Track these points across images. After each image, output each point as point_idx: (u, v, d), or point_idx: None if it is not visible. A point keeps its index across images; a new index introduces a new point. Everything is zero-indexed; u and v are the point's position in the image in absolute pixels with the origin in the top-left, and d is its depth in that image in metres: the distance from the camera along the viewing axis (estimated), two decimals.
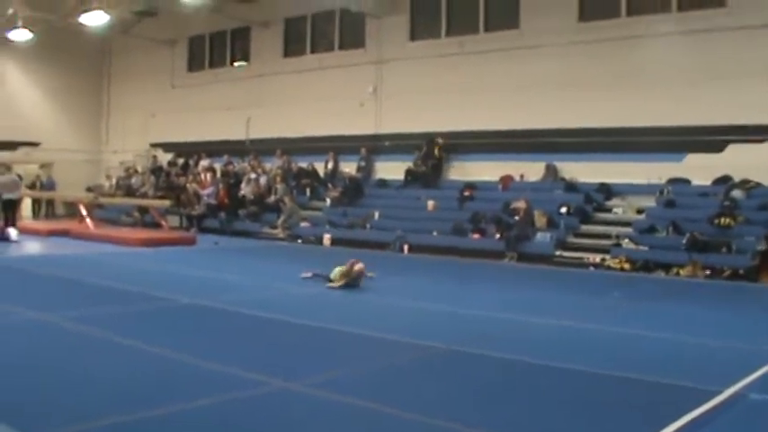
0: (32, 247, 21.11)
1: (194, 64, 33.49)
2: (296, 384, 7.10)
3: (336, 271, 14.02)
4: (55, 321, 9.83)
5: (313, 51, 29.17)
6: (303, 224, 25.08)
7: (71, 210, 30.43)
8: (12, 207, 22.38)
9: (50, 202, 33.29)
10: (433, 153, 24.95)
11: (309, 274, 14.44)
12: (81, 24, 28.16)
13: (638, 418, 6.33)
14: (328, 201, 26.14)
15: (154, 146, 34.26)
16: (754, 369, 7.97)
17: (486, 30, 24.52)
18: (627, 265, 18.32)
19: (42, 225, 26.42)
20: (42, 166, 33.75)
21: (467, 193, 23.44)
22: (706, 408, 6.56)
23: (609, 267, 18.48)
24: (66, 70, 34.18)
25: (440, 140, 24.75)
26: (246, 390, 6.88)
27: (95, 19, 27.42)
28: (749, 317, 12.27)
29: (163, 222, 25.27)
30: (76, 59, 34.58)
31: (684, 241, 17.96)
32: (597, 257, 18.99)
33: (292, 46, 29.93)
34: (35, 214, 32.68)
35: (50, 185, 32.94)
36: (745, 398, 6.99)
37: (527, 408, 6.70)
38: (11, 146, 32.53)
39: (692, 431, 5.96)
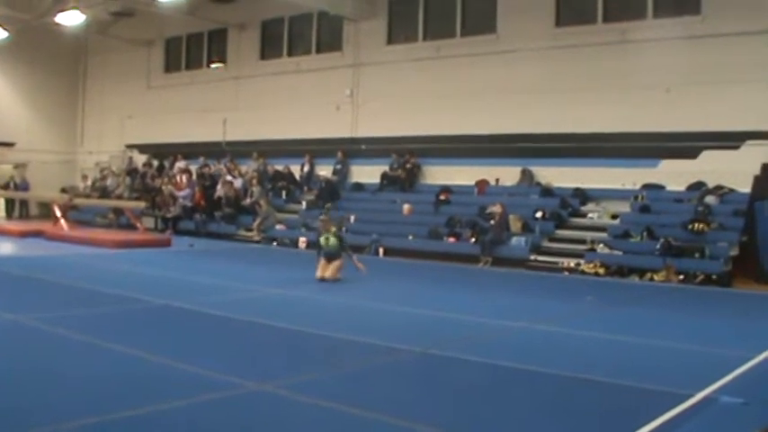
0: (6, 248, 20.99)
1: (171, 65, 33.37)
2: (270, 386, 7.09)
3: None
4: (29, 323, 9.77)
5: (290, 54, 29.14)
6: (279, 227, 25.05)
7: (45, 210, 30.24)
8: None
9: (24, 203, 33.00)
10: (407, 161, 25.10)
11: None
12: (57, 24, 28.06)
13: (610, 422, 6.37)
14: (304, 203, 26.12)
15: (130, 147, 34.10)
16: (726, 373, 8.04)
17: (463, 34, 24.61)
18: (601, 270, 18.40)
19: (16, 226, 26.20)
20: (16, 166, 33.45)
21: (443, 197, 23.49)
22: (677, 411, 6.60)
23: (583, 272, 18.55)
24: (41, 70, 33.97)
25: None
26: (220, 391, 6.86)
27: (71, 18, 27.32)
28: (721, 321, 12.37)
29: (138, 224, 25.15)
30: (52, 59, 34.41)
31: (658, 246, 18.07)
32: (572, 262, 19.09)
33: (269, 49, 29.89)
34: (9, 215, 32.41)
35: (24, 186, 32.66)
36: (716, 401, 7.03)
37: (500, 411, 6.73)
38: None
39: None
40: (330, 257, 15.26)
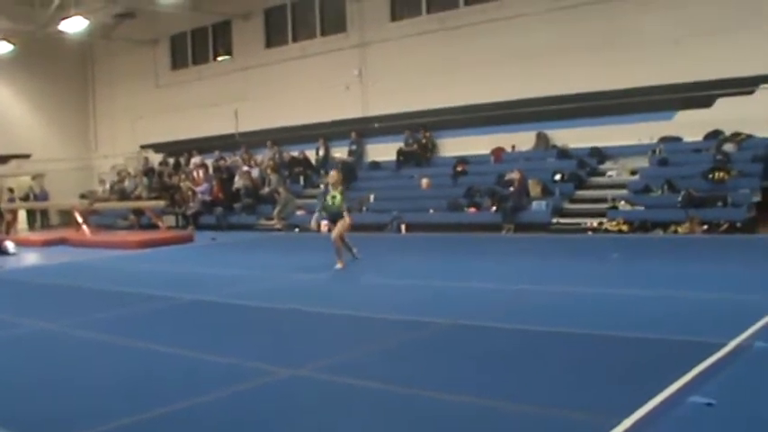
0: (31, 258, 21.09)
1: (178, 62, 33.38)
2: (305, 371, 7.12)
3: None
4: (62, 330, 9.85)
5: (295, 40, 29.05)
6: (299, 213, 25.06)
7: (66, 218, 30.39)
8: None
9: (44, 213, 33.22)
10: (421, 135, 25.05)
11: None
12: (61, 32, 28.10)
13: (646, 375, 6.34)
14: (322, 187, 26.03)
15: (144, 147, 34.18)
16: (758, 318, 7.99)
17: (467, 3, 24.43)
18: (624, 227, 18.37)
19: (39, 236, 26.36)
20: (34, 177, 33.57)
21: (460, 169, 23.43)
22: (713, 360, 6.59)
23: (607, 230, 18.53)
24: (50, 79, 34.00)
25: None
26: (256, 380, 6.90)
27: (75, 25, 27.38)
28: (749, 268, 12.28)
29: (159, 223, 25.24)
30: (60, 67, 34.44)
31: (680, 198, 18.01)
32: (594, 222, 19.05)
33: (274, 36, 29.82)
34: (30, 226, 32.59)
35: (43, 196, 32.77)
36: (750, 348, 7.01)
37: (536, 375, 6.72)
38: (1, 159, 32.52)
39: (701, 383, 5.98)
40: (335, 218, 14.77)
